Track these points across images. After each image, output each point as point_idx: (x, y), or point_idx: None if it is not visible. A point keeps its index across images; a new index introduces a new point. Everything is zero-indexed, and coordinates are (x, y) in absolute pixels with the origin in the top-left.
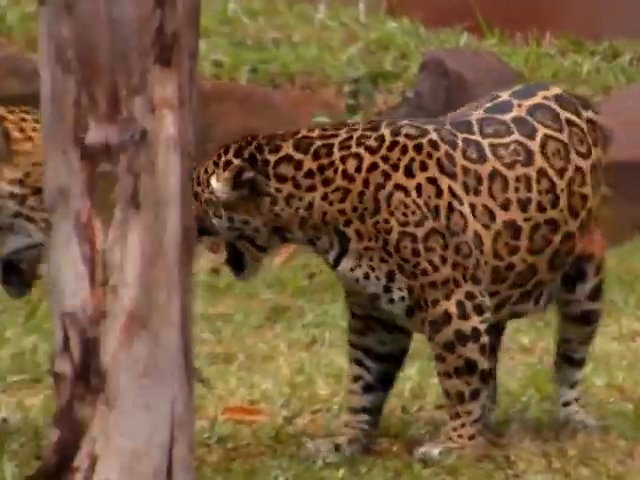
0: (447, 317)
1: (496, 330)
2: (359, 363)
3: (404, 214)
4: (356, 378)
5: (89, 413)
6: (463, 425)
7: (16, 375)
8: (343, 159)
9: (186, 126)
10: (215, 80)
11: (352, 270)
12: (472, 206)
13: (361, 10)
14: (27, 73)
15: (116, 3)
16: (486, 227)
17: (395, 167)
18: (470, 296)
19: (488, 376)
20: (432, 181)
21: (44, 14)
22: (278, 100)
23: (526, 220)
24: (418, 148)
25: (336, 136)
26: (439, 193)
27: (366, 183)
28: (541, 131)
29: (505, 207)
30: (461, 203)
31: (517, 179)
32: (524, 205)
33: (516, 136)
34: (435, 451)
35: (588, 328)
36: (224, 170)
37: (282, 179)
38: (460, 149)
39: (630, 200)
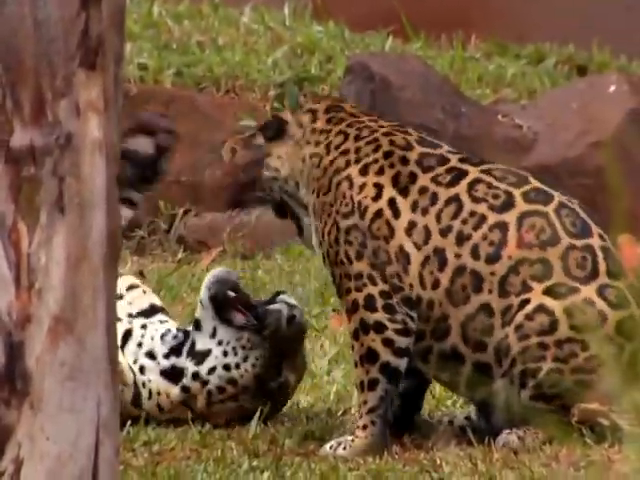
0: (354, 306)
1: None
2: None
3: (341, 203)
4: None
5: (14, 417)
6: (360, 415)
7: None
8: (337, 133)
9: (111, 129)
10: (140, 83)
11: (319, 245)
12: (411, 223)
13: (286, 14)
14: None
15: (41, 6)
16: (417, 247)
17: (358, 161)
18: (383, 294)
19: (395, 373)
20: (377, 186)
21: None
22: (203, 103)
23: (456, 256)
24: (388, 155)
25: (357, 118)
26: (376, 198)
27: (332, 162)
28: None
29: (444, 233)
30: (396, 216)
31: (472, 214)
32: (460, 239)
33: (505, 186)
34: (327, 445)
35: None
36: None
37: (299, 125)
38: (434, 173)
39: None
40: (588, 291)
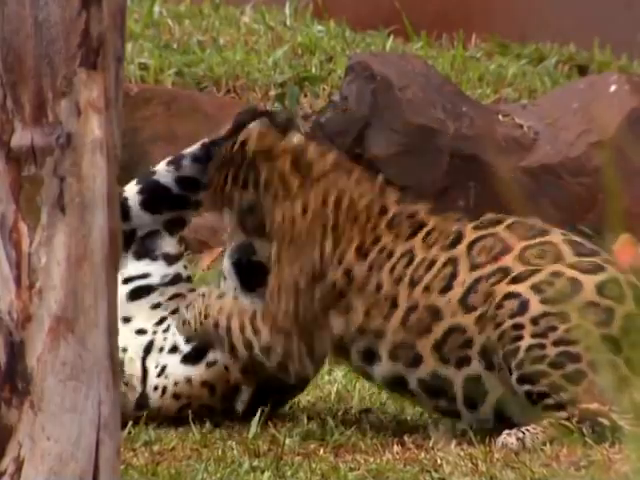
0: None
1: None
2: None
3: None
4: None
5: (15, 417)
6: None
7: None
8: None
9: (112, 129)
10: (141, 83)
11: None
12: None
13: (287, 13)
14: None
15: (42, 6)
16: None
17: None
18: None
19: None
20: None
21: None
22: (204, 103)
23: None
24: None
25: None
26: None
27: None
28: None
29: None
30: (349, 243)
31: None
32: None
33: (457, 226)
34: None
35: None
36: None
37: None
38: (424, 232)
39: (555, 203)
40: (554, 267)
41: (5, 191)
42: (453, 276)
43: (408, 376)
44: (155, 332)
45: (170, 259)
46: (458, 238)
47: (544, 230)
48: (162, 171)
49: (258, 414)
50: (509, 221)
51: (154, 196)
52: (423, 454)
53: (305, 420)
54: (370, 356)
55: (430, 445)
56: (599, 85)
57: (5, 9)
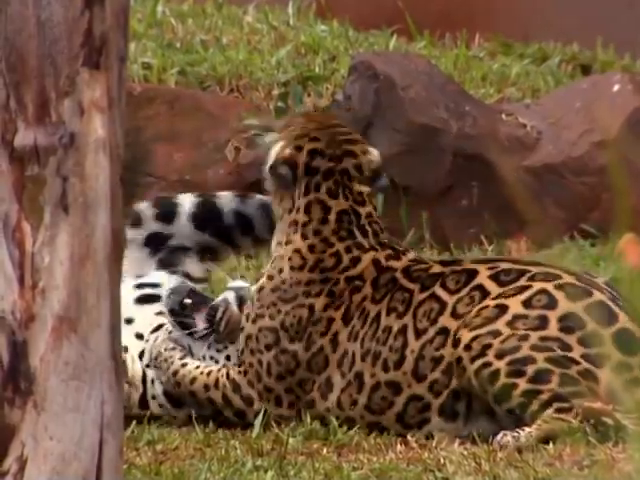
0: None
1: None
2: None
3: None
4: None
5: (18, 416)
6: None
7: None
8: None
9: (115, 128)
10: (144, 82)
11: None
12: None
13: (290, 13)
14: None
15: (44, 6)
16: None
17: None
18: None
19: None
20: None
21: None
22: (207, 103)
23: (372, 376)
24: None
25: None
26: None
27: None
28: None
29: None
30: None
31: (384, 329)
32: (375, 359)
33: (412, 285)
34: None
35: None
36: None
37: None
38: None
39: (558, 202)
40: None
41: (8, 191)
42: (404, 346)
43: None
44: (148, 341)
45: (189, 279)
46: (409, 303)
47: (470, 275)
48: (226, 198)
49: (261, 414)
50: (446, 273)
51: (206, 215)
52: (426, 453)
53: (308, 419)
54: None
55: (433, 444)
56: (602, 85)
57: (8, 9)
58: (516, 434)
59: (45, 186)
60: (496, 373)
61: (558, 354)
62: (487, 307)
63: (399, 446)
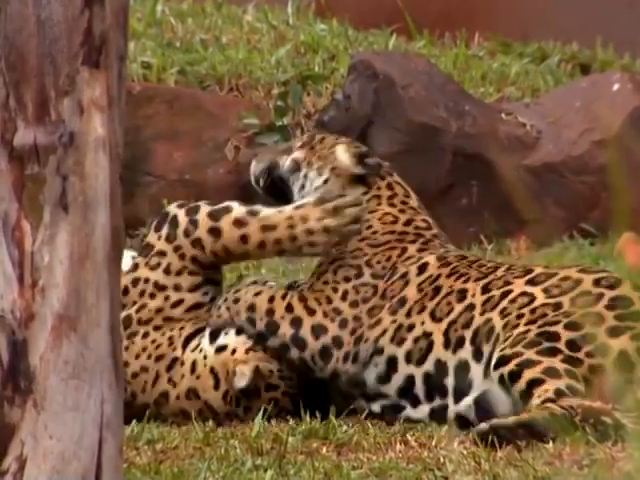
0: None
1: None
2: None
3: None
4: None
5: (18, 415)
6: None
7: None
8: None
9: (115, 127)
10: (143, 82)
11: None
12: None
13: (290, 12)
14: None
15: (44, 5)
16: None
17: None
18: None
19: None
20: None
21: None
22: (206, 102)
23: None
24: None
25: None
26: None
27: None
28: None
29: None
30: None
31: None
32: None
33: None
34: None
35: None
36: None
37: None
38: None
39: (558, 201)
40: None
41: (8, 190)
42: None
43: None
44: None
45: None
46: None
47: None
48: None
49: (261, 412)
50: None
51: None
52: (426, 452)
53: (308, 418)
54: None
55: (433, 444)
56: (602, 84)
57: (8, 8)
58: (494, 421)
59: (45, 185)
60: None
61: None
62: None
63: (399, 445)
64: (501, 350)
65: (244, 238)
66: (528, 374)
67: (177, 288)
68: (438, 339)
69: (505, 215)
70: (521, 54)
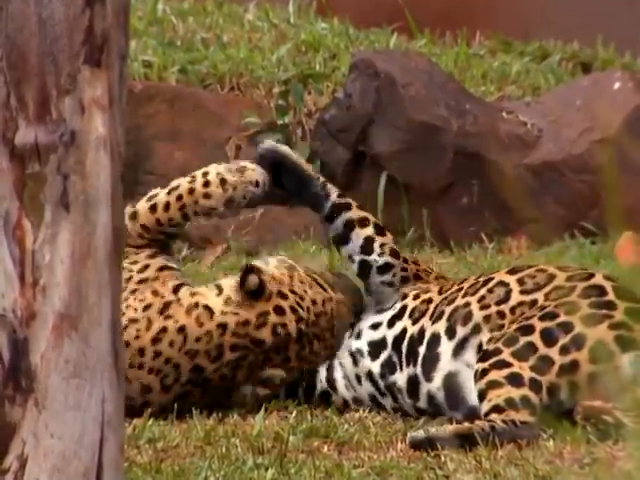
0: None
1: None
2: None
3: None
4: None
5: (19, 414)
6: None
7: None
8: None
9: (116, 126)
10: (144, 80)
11: None
12: None
13: (291, 11)
14: None
15: (46, 4)
16: None
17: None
18: None
19: None
20: None
21: None
22: (208, 101)
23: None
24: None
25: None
26: None
27: None
28: None
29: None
30: None
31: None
32: None
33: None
34: None
35: None
36: None
37: None
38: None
39: (558, 200)
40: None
41: (9, 189)
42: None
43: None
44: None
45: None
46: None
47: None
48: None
49: (262, 411)
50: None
51: None
52: (427, 451)
53: (309, 417)
54: None
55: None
56: (603, 82)
57: (9, 7)
58: (432, 429)
59: (46, 184)
60: None
61: None
62: None
63: (400, 444)
64: (487, 343)
65: (153, 207)
66: (493, 375)
67: (139, 259)
68: (429, 311)
69: (506, 214)
70: (522, 53)
